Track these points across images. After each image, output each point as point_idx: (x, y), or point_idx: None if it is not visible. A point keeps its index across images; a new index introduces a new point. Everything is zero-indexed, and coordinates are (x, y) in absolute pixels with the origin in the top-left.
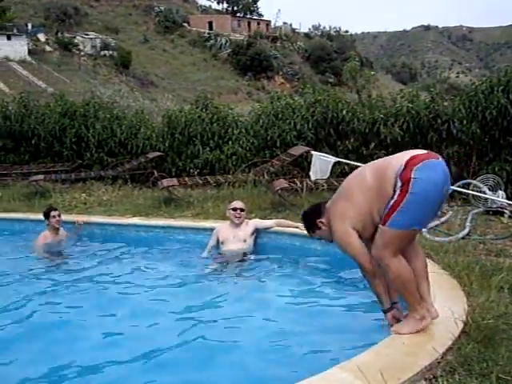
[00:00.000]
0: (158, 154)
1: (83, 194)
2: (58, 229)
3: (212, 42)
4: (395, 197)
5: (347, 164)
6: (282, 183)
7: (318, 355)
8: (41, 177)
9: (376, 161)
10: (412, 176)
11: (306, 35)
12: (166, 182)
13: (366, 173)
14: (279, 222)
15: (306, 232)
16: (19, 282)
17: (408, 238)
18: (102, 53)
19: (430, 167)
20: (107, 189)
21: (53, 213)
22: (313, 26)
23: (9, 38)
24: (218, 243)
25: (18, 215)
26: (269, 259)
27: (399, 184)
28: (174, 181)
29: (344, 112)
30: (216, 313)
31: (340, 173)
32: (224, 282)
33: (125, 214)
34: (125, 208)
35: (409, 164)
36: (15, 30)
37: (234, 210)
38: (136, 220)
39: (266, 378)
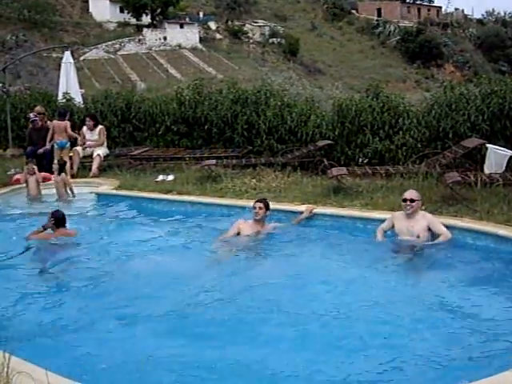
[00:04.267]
0: (328, 142)
1: (253, 180)
2: (258, 220)
3: (380, 29)
4: None
5: None
6: (454, 176)
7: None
8: (213, 161)
9: None
10: None
11: (479, 21)
12: (335, 171)
13: None
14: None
15: None
16: None
17: None
18: (271, 40)
19: None
20: (276, 175)
21: (255, 204)
22: (486, 12)
23: (181, 26)
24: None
25: (191, 198)
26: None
27: None
28: (344, 170)
29: None
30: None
31: None
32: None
33: (293, 201)
34: (294, 195)
35: None
36: (187, 19)
37: (404, 200)
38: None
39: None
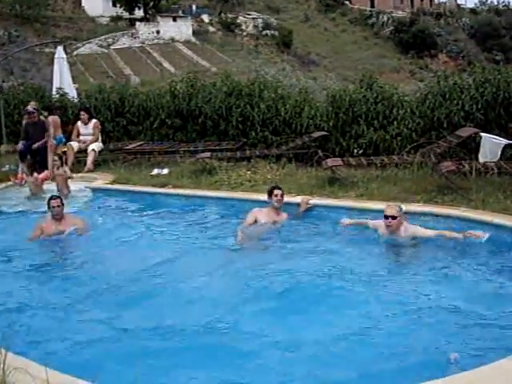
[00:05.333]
0: (323, 133)
1: (248, 172)
2: (277, 208)
3: (374, 19)
4: None
5: None
6: (449, 165)
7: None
8: (207, 154)
9: None
10: None
11: (472, 11)
12: (330, 162)
13: None
14: (441, 233)
15: None
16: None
17: None
18: (264, 32)
19: None
20: (271, 167)
21: (275, 191)
22: (479, 1)
23: (174, 19)
24: None
25: (186, 191)
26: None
27: None
28: (339, 161)
29: None
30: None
31: (510, 156)
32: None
33: (289, 193)
34: (289, 187)
35: None
36: (180, 12)
37: (386, 217)
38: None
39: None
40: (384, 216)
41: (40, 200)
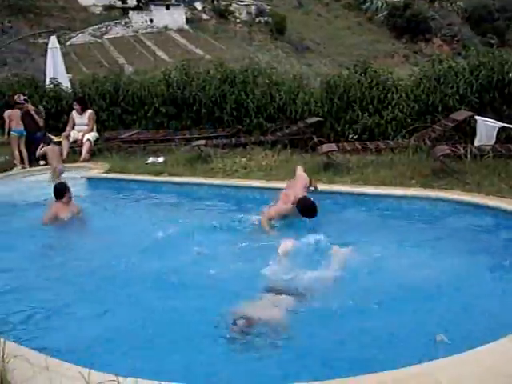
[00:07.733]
0: (317, 119)
1: (243, 159)
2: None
3: (367, 4)
4: None
5: None
6: (444, 149)
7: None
8: (202, 142)
9: None
10: None
11: None
12: (325, 148)
13: None
14: None
15: None
16: None
17: None
18: (257, 19)
19: None
20: (266, 154)
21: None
22: None
23: (167, 7)
24: None
25: (181, 179)
26: None
27: None
28: (333, 146)
29: (511, 75)
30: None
31: (505, 138)
32: None
33: (284, 179)
34: (285, 172)
35: None
36: (173, 0)
37: None
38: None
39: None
40: None
41: None
